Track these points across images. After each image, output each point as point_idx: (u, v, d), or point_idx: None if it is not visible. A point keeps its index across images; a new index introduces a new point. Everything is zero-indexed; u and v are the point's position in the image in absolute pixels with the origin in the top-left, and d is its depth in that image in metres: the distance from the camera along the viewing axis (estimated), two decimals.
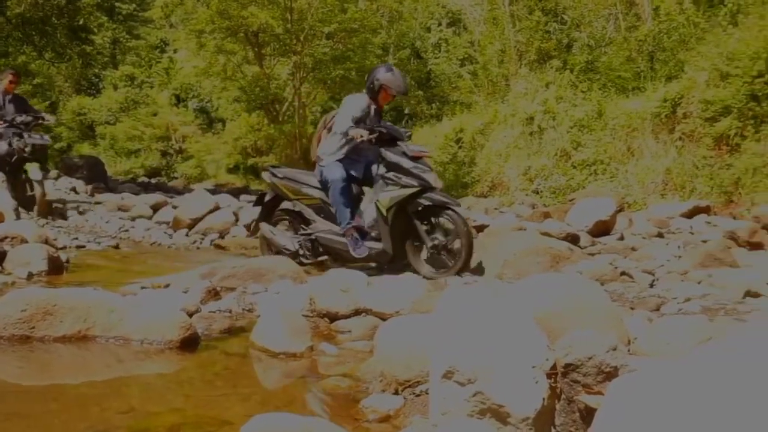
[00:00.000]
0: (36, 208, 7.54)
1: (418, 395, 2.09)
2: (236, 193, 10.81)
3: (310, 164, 15.91)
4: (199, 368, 2.63)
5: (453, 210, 4.44)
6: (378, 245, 4.66)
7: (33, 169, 7.62)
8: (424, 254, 4.60)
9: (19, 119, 7.72)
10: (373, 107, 4.94)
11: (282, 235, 5.11)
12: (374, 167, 4.84)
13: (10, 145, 7.59)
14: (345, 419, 1.97)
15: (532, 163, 10.46)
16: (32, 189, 7.66)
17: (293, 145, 13.32)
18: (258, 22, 11.75)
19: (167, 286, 3.84)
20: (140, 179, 18.92)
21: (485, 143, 11.68)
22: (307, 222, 5.04)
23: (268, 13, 11.82)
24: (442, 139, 12.20)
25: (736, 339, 1.34)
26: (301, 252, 4.95)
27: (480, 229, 6.62)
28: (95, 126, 24.43)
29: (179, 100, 23.37)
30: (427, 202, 4.46)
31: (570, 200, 8.79)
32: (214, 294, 3.62)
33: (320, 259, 5.01)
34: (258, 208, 5.44)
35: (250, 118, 15.15)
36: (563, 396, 1.71)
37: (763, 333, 1.27)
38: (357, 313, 3.29)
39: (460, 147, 11.91)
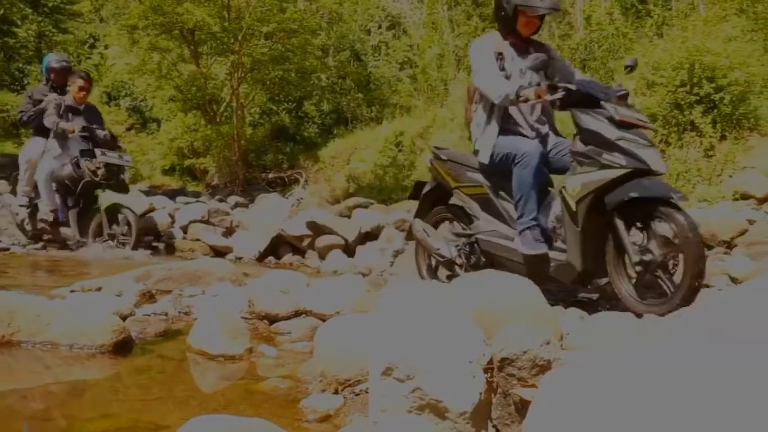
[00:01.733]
0: (132, 241, 6.21)
1: (357, 394, 2.10)
2: (172, 194, 10.59)
3: (249, 167, 15.66)
4: (133, 373, 2.56)
5: (676, 209, 2.89)
6: (560, 256, 3.23)
7: (119, 197, 6.36)
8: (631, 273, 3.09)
9: (100, 133, 6.44)
10: (509, 47, 3.58)
11: (437, 236, 3.88)
12: (551, 140, 3.56)
13: (77, 166, 6.31)
14: (285, 420, 1.96)
15: None
16: (116, 222, 6.35)
17: (231, 146, 13.12)
18: (194, 20, 11.51)
19: (99, 289, 3.73)
20: None
21: (425, 147, 11.79)
22: (469, 219, 3.76)
23: (205, 10, 11.60)
24: (382, 142, 12.24)
25: (661, 333, 1.40)
26: (459, 260, 3.70)
27: None
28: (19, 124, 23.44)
29: (111, 98, 22.67)
30: (637, 194, 2.93)
31: None
32: (149, 297, 3.55)
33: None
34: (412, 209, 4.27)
35: (186, 118, 14.82)
36: (499, 390, 1.75)
37: (685, 328, 1.34)
38: (297, 314, 3.27)
39: (400, 150, 11.99)
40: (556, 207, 3.36)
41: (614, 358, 1.32)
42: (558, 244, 3.31)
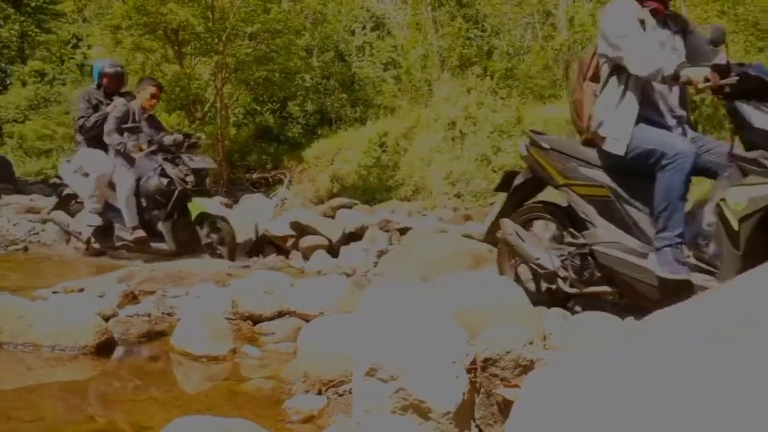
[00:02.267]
0: (226, 251, 5.60)
1: (341, 395, 2.10)
2: None
3: (233, 167, 15.58)
4: (116, 374, 2.55)
5: None
6: (710, 282, 2.59)
7: (209, 204, 5.77)
8: None
9: (168, 140, 5.75)
10: (649, 14, 2.90)
11: (533, 242, 3.19)
12: (689, 135, 2.99)
13: (164, 175, 5.68)
14: (268, 420, 1.96)
15: (454, 167, 10.64)
16: (214, 230, 5.71)
17: (215, 147, 13.06)
18: (178, 20, 11.45)
19: (81, 290, 3.70)
20: (52, 180, 18.10)
21: (409, 147, 11.81)
22: (581, 225, 3.07)
23: (189, 10, 11.54)
24: (366, 143, 12.25)
25: (644, 332, 1.41)
26: (563, 273, 3.03)
27: (403, 231, 6.69)
28: (2, 124, 23.19)
29: None
30: None
31: (490, 203, 9.01)
32: (132, 298, 3.53)
33: (595, 290, 3.02)
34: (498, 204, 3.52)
35: (170, 118, 14.72)
36: (482, 390, 1.76)
37: (671, 326, 1.35)
38: (280, 314, 3.27)
39: (383, 151, 12.00)
40: (703, 220, 2.77)
41: (597, 358, 1.33)
42: (701, 264, 2.69)
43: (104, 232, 6.00)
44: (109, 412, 2.11)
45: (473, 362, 1.77)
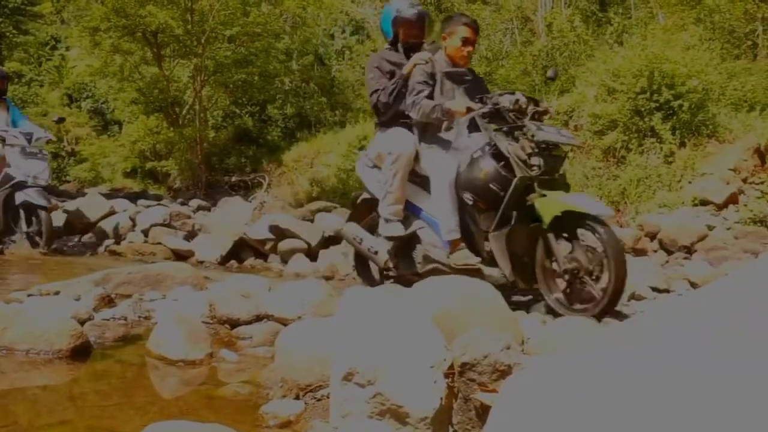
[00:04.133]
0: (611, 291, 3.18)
1: (319, 399, 2.10)
2: (134, 197, 10.43)
3: (212, 170, 15.52)
4: (92, 378, 2.52)
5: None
6: None
7: (579, 200, 3.35)
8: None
9: (507, 100, 3.55)
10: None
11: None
12: None
13: (497, 157, 3.52)
14: (245, 426, 1.95)
15: None
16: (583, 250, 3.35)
17: (194, 149, 12.99)
18: (157, 22, 11.38)
19: (57, 293, 3.65)
20: None
21: None
22: None
23: (168, 13, 11.47)
24: (345, 146, 12.24)
25: (624, 335, 1.43)
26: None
27: None
28: None
29: (72, 100, 22.24)
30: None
31: None
32: (108, 301, 3.49)
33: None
34: None
35: (148, 120, 14.62)
36: (460, 395, 1.76)
37: (644, 330, 1.36)
38: (258, 318, 3.25)
39: None
40: None
41: (576, 361, 1.34)
42: None
43: (404, 249, 4.09)
44: (84, 417, 2.08)
45: (451, 367, 1.77)
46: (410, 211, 3.98)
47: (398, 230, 3.94)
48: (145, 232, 7.43)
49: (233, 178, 13.49)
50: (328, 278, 5.16)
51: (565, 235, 3.36)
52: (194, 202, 10.43)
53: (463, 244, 3.64)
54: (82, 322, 2.92)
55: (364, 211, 4.37)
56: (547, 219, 3.27)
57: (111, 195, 10.74)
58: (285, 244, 6.33)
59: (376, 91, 4.12)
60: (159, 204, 9.28)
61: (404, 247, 4.01)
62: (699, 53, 8.61)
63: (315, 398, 2.11)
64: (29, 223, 6.63)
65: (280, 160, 13.38)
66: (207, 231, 7.52)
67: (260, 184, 12.73)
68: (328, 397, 2.01)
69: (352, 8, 16.47)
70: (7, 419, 2.02)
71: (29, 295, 3.57)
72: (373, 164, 4.24)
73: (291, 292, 3.41)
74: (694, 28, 10.12)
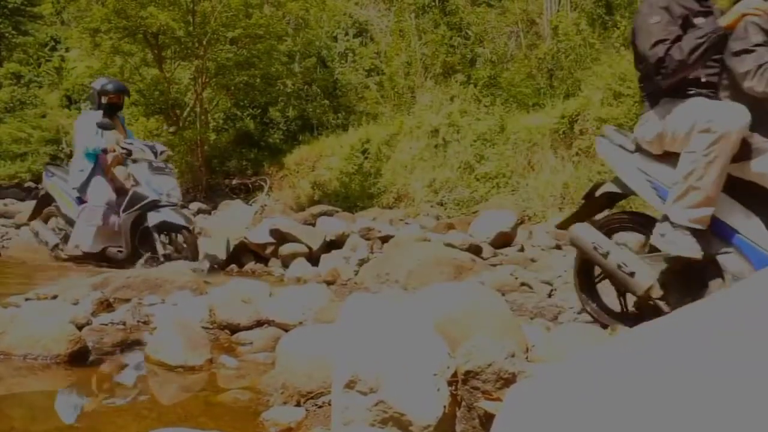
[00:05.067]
0: None
1: (320, 406, 2.07)
2: None
3: (212, 173, 15.57)
4: (90, 383, 2.49)
5: None
6: None
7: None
8: None
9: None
10: None
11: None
12: None
13: None
14: None
15: (437, 175, 10.66)
16: None
17: (194, 152, 12.98)
18: (158, 24, 11.37)
19: (55, 297, 3.62)
20: (26, 184, 17.96)
21: (391, 154, 11.81)
22: None
23: (169, 14, 11.47)
24: (347, 150, 12.23)
25: (630, 343, 1.40)
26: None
27: (385, 239, 6.67)
28: None
29: (71, 101, 22.24)
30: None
31: (473, 212, 9.03)
32: (106, 305, 3.46)
33: None
34: None
35: (148, 122, 14.62)
36: (463, 403, 1.74)
37: (647, 337, 1.34)
38: (259, 324, 3.22)
39: (366, 158, 11.99)
40: None
41: (581, 369, 1.32)
42: None
43: (682, 277, 3.08)
44: (82, 423, 2.05)
45: (454, 374, 1.74)
46: (711, 228, 2.79)
47: (693, 250, 2.74)
48: None
49: (234, 181, 13.48)
50: (329, 283, 5.13)
51: None
52: (194, 205, 10.43)
53: None
54: (80, 327, 2.90)
55: (596, 209, 3.44)
56: None
57: None
58: (286, 248, 6.30)
59: (662, 41, 2.88)
60: None
61: (683, 273, 2.84)
62: None
63: (316, 405, 2.08)
64: (164, 245, 5.91)
65: (281, 163, 13.37)
66: (207, 234, 7.49)
67: (261, 187, 12.72)
68: (329, 404, 1.99)
69: (356, 10, 16.46)
70: (4, 425, 1.99)
71: (27, 300, 3.55)
72: (636, 147, 3.23)
73: (292, 298, 3.38)
74: None
